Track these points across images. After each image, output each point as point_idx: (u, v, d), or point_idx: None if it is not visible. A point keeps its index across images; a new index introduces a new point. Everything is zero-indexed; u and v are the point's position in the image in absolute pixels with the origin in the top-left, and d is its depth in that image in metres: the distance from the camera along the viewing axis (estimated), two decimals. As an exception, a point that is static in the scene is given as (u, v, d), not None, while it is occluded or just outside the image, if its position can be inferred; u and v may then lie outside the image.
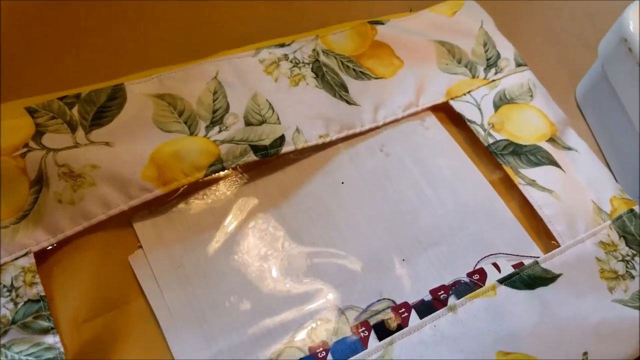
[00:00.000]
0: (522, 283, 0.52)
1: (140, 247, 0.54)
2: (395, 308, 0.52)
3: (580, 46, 0.79)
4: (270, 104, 0.60)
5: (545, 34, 0.80)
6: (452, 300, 0.52)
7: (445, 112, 0.66)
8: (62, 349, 0.47)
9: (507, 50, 0.70)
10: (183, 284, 0.52)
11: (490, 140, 0.62)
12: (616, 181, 0.61)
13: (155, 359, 0.49)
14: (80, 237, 0.53)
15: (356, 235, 0.56)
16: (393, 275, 0.55)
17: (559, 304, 0.52)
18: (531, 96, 0.66)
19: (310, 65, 0.64)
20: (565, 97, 0.73)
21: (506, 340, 0.50)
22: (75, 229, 0.53)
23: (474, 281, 0.53)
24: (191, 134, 0.58)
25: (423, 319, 0.50)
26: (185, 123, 0.58)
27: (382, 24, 0.69)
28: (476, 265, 0.55)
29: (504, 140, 0.62)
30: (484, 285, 0.53)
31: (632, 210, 0.58)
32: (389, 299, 0.53)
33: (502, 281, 0.52)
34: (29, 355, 0.47)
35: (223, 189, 0.58)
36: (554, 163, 0.61)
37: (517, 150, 0.62)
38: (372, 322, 0.51)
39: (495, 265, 0.55)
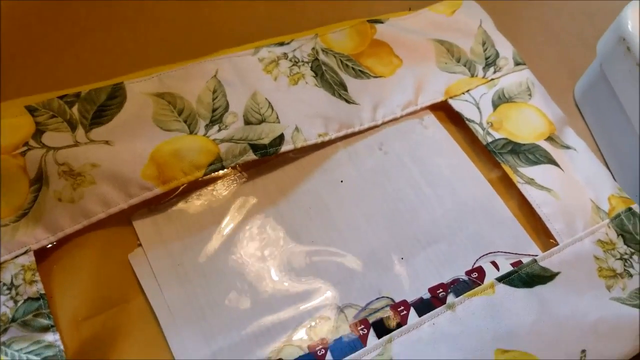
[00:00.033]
0: (520, 281, 0.53)
1: (140, 245, 0.54)
2: (394, 306, 0.52)
3: (580, 46, 0.79)
4: (269, 102, 0.61)
5: (545, 34, 0.81)
6: (450, 298, 0.52)
7: (444, 111, 0.66)
8: (62, 347, 0.48)
9: (505, 49, 0.70)
10: (183, 282, 0.52)
11: (489, 139, 0.62)
12: (614, 180, 0.61)
13: (154, 356, 0.49)
14: (80, 235, 0.53)
15: (355, 233, 0.57)
16: (392, 273, 0.55)
17: (557, 302, 0.52)
18: (530, 95, 0.66)
19: (310, 64, 0.64)
20: (564, 96, 0.73)
21: (504, 338, 0.50)
22: (75, 227, 0.53)
23: (473, 279, 0.53)
24: (191, 132, 0.58)
25: (422, 317, 0.50)
26: (185, 122, 0.58)
27: (382, 22, 0.69)
28: (475, 263, 0.55)
29: (503, 139, 0.62)
30: (483, 283, 0.53)
31: (630, 209, 0.58)
32: (388, 297, 0.53)
33: (500, 279, 0.52)
34: (29, 353, 0.47)
35: (222, 188, 0.58)
36: (553, 162, 0.61)
37: (516, 149, 0.62)
38: (371, 320, 0.51)
39: (494, 263, 0.55)
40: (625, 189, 0.61)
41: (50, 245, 0.53)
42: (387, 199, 0.59)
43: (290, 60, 0.64)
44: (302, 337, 0.51)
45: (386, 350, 0.49)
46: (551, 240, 0.57)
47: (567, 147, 0.63)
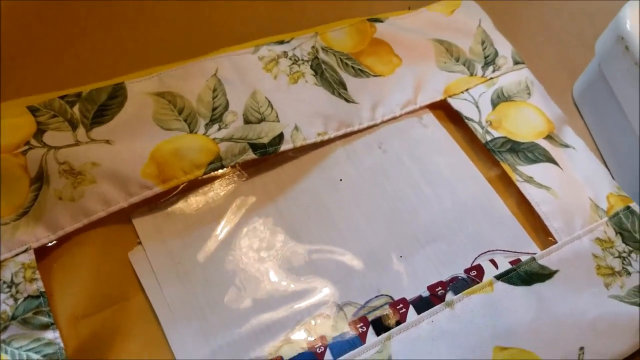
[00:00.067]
0: (519, 279, 0.53)
1: (140, 243, 0.54)
2: (393, 304, 0.52)
3: (580, 46, 0.79)
4: (269, 101, 0.61)
5: (545, 34, 0.81)
6: (449, 296, 0.52)
7: (443, 110, 0.66)
8: (62, 345, 0.48)
9: (504, 48, 0.70)
10: (182, 280, 0.53)
11: (488, 138, 0.63)
12: (613, 178, 0.62)
13: (154, 354, 0.49)
14: (80, 233, 0.54)
15: (354, 232, 0.57)
16: (391, 271, 0.55)
17: (556, 300, 0.52)
18: (529, 94, 0.66)
19: (310, 63, 0.64)
20: (562, 95, 0.74)
21: (503, 335, 0.50)
22: (75, 225, 0.53)
23: (472, 277, 0.54)
24: (191, 131, 0.58)
25: (421, 315, 0.51)
26: (185, 121, 0.58)
27: (381, 21, 0.69)
28: (474, 261, 0.55)
29: (502, 137, 0.63)
30: (482, 281, 0.53)
31: (628, 207, 0.59)
32: (387, 295, 0.53)
33: (499, 277, 0.53)
34: (29, 350, 0.47)
35: (222, 187, 0.58)
36: (552, 160, 0.61)
37: (515, 148, 0.62)
38: (370, 317, 0.51)
39: (493, 261, 0.55)
40: (623, 187, 0.61)
41: (50, 244, 0.53)
42: (386, 197, 0.59)
43: (290, 59, 0.64)
44: (301, 335, 0.51)
45: (385, 348, 0.49)
46: (550, 239, 0.57)
47: (566, 146, 0.63)
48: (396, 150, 0.62)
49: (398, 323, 0.51)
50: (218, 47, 0.64)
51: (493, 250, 0.56)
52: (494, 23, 0.73)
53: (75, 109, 0.57)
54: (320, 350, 0.49)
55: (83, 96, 0.57)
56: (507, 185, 0.61)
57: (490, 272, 0.54)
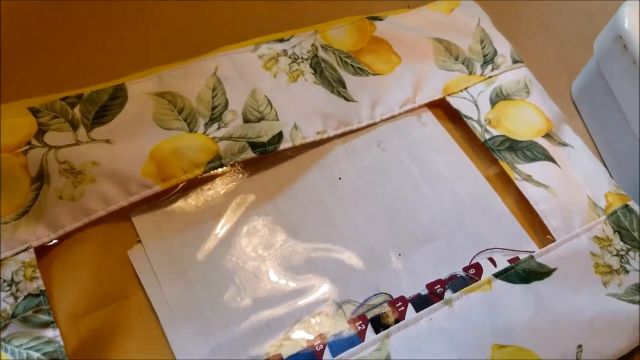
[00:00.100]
0: (517, 277, 0.53)
1: (140, 241, 0.54)
2: (392, 302, 0.52)
3: (580, 46, 0.79)
4: (268, 100, 0.61)
5: (545, 34, 0.81)
6: (448, 294, 0.52)
7: (442, 109, 0.67)
8: (62, 343, 0.48)
9: (503, 47, 0.70)
10: (182, 278, 0.53)
11: (487, 136, 0.63)
12: (611, 177, 0.62)
13: (154, 352, 0.50)
14: (80, 231, 0.54)
15: (353, 230, 0.57)
16: (390, 270, 0.55)
17: (554, 298, 0.52)
18: (527, 92, 0.66)
19: (309, 61, 0.65)
20: (561, 94, 0.74)
21: (501, 333, 0.50)
22: (76, 224, 0.53)
23: (470, 275, 0.54)
24: (190, 131, 0.58)
25: (419, 313, 0.51)
26: (185, 120, 0.59)
27: (381, 20, 0.70)
28: (472, 259, 0.56)
29: (501, 136, 0.63)
30: (480, 279, 0.53)
31: (626, 206, 0.59)
32: (385, 293, 0.53)
33: (497, 275, 0.53)
34: (29, 348, 0.47)
35: (221, 186, 0.58)
36: (550, 159, 0.61)
37: (514, 146, 0.62)
38: (369, 315, 0.51)
39: (491, 259, 0.55)
40: (621, 185, 0.61)
41: (50, 243, 0.53)
42: (385, 196, 0.59)
43: (290, 57, 0.64)
44: (300, 333, 0.51)
45: (384, 346, 0.49)
46: (548, 237, 0.57)
47: (565, 145, 0.63)
48: (395, 148, 0.62)
49: (397, 321, 0.51)
50: (218, 47, 0.65)
51: (492, 249, 0.56)
52: (494, 23, 0.73)
53: (76, 109, 0.57)
54: (320, 348, 0.49)
55: (84, 97, 0.58)
56: (505, 184, 0.61)
57: (488, 271, 0.54)
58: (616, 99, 0.63)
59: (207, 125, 0.59)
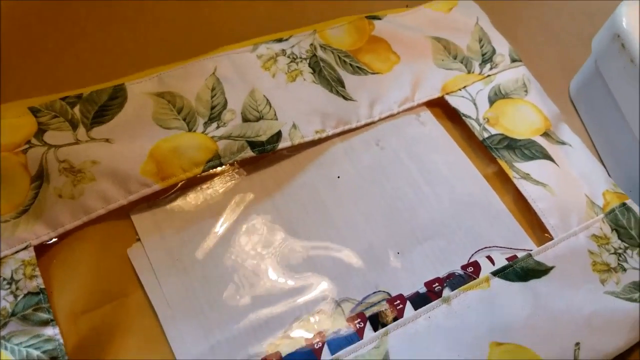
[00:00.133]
0: (515, 275, 0.53)
1: (139, 240, 0.55)
2: (391, 300, 0.52)
3: (580, 46, 0.79)
4: (267, 100, 0.61)
5: (545, 34, 0.81)
6: (446, 292, 0.53)
7: (441, 107, 0.67)
8: (61, 341, 0.48)
9: (502, 46, 0.70)
10: (181, 276, 0.53)
11: (485, 135, 0.63)
12: (609, 175, 0.62)
13: (153, 350, 0.50)
14: (80, 230, 0.54)
15: (352, 229, 0.57)
16: (389, 268, 0.55)
17: (552, 296, 0.52)
18: (526, 91, 0.66)
19: (308, 61, 0.65)
20: (559, 93, 0.74)
21: (499, 331, 0.50)
22: (75, 223, 0.54)
23: (468, 274, 0.54)
24: (190, 130, 0.58)
25: (418, 311, 0.51)
26: (184, 120, 0.59)
27: (380, 19, 0.70)
28: (470, 258, 0.56)
29: (499, 134, 0.63)
30: (478, 277, 0.53)
31: (624, 204, 0.59)
32: (384, 292, 0.53)
33: (495, 273, 0.53)
34: (29, 346, 0.47)
35: (220, 184, 0.59)
36: (548, 157, 0.61)
37: (512, 145, 0.62)
38: (368, 313, 0.52)
39: (489, 258, 0.55)
40: (619, 184, 0.61)
41: (50, 241, 0.53)
42: (384, 195, 0.59)
43: (289, 57, 0.65)
44: (299, 331, 0.51)
45: (382, 343, 0.49)
46: (546, 235, 0.57)
47: (563, 143, 0.63)
48: (394, 147, 0.63)
49: (395, 319, 0.51)
50: (218, 47, 0.65)
51: (490, 247, 0.56)
52: (494, 23, 0.73)
53: (76, 109, 0.57)
54: (318, 346, 0.50)
55: (84, 97, 0.58)
56: (504, 182, 0.61)
57: (486, 269, 0.54)
58: (614, 98, 0.63)
59: (206, 124, 0.59)
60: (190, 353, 0.49)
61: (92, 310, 0.51)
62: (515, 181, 0.60)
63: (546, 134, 0.63)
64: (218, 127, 0.59)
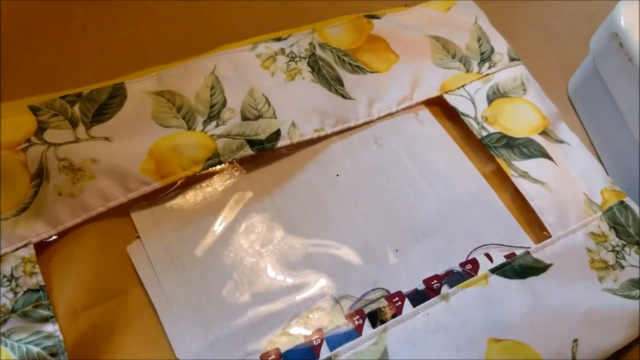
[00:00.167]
0: (513, 273, 0.53)
1: (138, 237, 0.55)
2: (389, 297, 0.52)
3: (579, 45, 0.79)
4: (266, 98, 0.61)
5: (544, 34, 0.81)
6: (445, 289, 0.53)
7: (440, 106, 0.67)
8: (61, 337, 0.48)
9: (500, 45, 0.70)
10: (180, 274, 0.53)
11: (484, 133, 0.63)
12: (607, 173, 0.62)
13: (152, 347, 0.50)
14: (79, 227, 0.54)
15: (351, 226, 0.57)
16: (387, 265, 0.55)
17: (550, 293, 0.53)
18: (524, 90, 0.67)
19: (307, 60, 0.65)
20: (558, 91, 0.74)
21: (498, 327, 0.50)
22: (75, 221, 0.54)
23: (467, 271, 0.54)
24: (189, 128, 0.59)
25: (416, 307, 0.51)
26: (184, 118, 0.59)
27: (378, 18, 0.70)
28: (469, 255, 0.56)
29: (497, 133, 0.63)
30: (477, 274, 0.53)
31: (622, 202, 0.59)
32: (383, 289, 0.54)
33: (494, 271, 0.53)
34: (29, 343, 0.48)
35: (220, 182, 0.59)
36: (546, 156, 0.62)
37: (510, 143, 0.62)
38: (367, 310, 0.52)
39: (488, 255, 0.55)
40: (617, 182, 0.61)
41: (50, 239, 0.53)
42: (383, 193, 0.60)
43: (288, 56, 0.65)
44: (298, 328, 0.51)
45: (381, 340, 0.49)
46: (544, 233, 0.57)
47: (561, 142, 0.63)
48: (392, 145, 0.63)
49: (394, 316, 0.51)
50: (217, 46, 0.65)
51: (488, 245, 0.57)
52: (493, 22, 0.73)
53: (76, 108, 0.57)
54: (317, 342, 0.50)
55: (83, 96, 0.58)
56: (502, 180, 0.61)
57: (485, 266, 0.54)
58: (612, 97, 0.64)
59: (205, 123, 0.59)
60: (189, 350, 0.50)
61: (92, 307, 0.51)
62: (514, 179, 0.60)
63: (544, 133, 0.63)
64: (217, 125, 0.59)
